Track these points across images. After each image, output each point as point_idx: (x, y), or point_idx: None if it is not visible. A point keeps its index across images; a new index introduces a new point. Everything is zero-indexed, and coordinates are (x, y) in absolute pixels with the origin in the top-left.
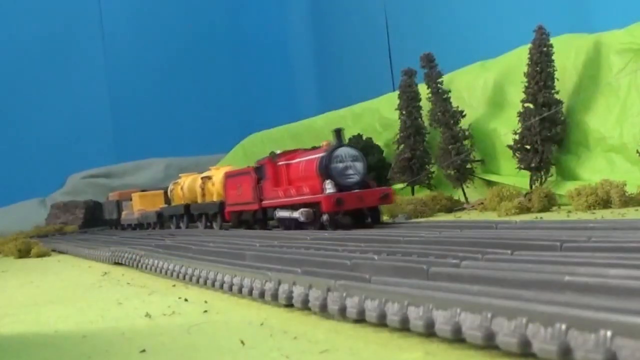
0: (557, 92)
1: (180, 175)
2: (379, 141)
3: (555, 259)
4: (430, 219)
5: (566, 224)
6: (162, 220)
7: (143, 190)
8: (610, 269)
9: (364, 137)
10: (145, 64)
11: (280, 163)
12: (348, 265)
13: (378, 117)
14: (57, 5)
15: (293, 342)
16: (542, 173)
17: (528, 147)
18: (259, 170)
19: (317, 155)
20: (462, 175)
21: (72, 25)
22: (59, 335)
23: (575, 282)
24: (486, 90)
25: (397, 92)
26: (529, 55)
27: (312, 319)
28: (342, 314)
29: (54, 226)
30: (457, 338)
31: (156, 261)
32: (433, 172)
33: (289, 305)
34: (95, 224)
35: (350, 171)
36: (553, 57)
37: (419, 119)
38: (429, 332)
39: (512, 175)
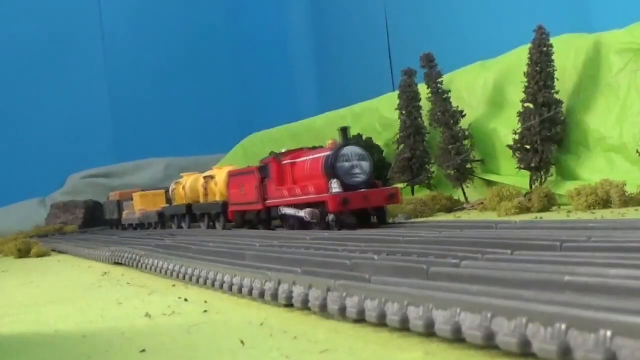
0: (557, 92)
1: (182, 174)
2: (379, 141)
3: (555, 259)
4: (430, 219)
5: (566, 224)
6: (163, 220)
7: (144, 190)
8: (610, 269)
9: (364, 137)
10: (145, 64)
11: (285, 162)
12: (348, 265)
13: (378, 117)
14: (57, 5)
15: (293, 342)
16: (542, 173)
17: (528, 147)
18: (263, 169)
19: (322, 154)
20: (462, 175)
21: (72, 25)
22: (59, 335)
23: (575, 282)
24: (486, 90)
25: (397, 92)
26: (529, 55)
27: (312, 319)
28: (342, 314)
29: (54, 226)
30: (457, 338)
31: (156, 261)
32: (433, 172)
33: (289, 305)
34: (95, 224)
35: (357, 170)
36: (553, 57)
37: (419, 119)
38: (429, 332)
39: (512, 175)
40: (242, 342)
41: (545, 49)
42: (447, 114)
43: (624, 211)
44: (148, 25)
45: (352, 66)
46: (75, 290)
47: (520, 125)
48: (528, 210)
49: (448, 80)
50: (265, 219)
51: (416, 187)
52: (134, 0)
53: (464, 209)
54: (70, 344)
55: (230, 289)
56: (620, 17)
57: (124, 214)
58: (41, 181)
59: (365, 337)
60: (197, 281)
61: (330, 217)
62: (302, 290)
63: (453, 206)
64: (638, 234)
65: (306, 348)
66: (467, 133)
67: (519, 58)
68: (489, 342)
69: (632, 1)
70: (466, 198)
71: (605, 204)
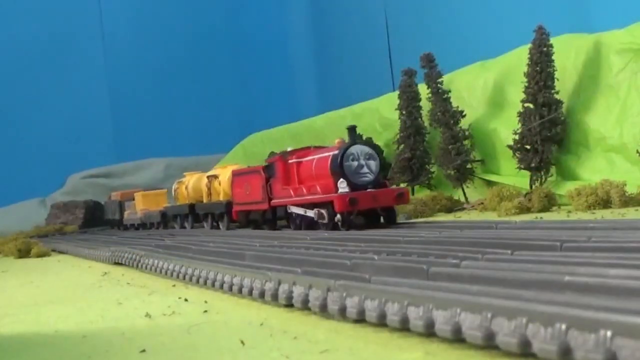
0: (557, 92)
1: (184, 174)
2: (379, 141)
3: (555, 259)
4: (430, 219)
5: (566, 224)
6: (166, 220)
7: (146, 190)
8: (610, 269)
9: (364, 137)
10: (145, 64)
11: (291, 161)
12: (348, 265)
13: (378, 117)
14: (57, 5)
15: (293, 342)
16: (542, 173)
17: (528, 147)
18: (268, 168)
19: (329, 153)
20: (462, 175)
21: (72, 25)
22: (59, 335)
23: (575, 282)
24: (486, 90)
25: (397, 92)
26: (529, 55)
27: (312, 319)
28: (342, 314)
29: (54, 226)
30: (457, 338)
31: (156, 261)
32: (433, 172)
33: (289, 305)
34: (95, 224)
35: (365, 170)
36: (553, 57)
37: (419, 119)
38: (429, 332)
39: (512, 175)
40: (242, 342)
41: (545, 49)
42: (447, 114)
43: (624, 211)
44: (148, 25)
45: (352, 66)
46: (75, 290)
47: (520, 125)
48: (528, 210)
49: (448, 80)
50: (270, 218)
51: (416, 187)
52: (134, 0)
53: (464, 209)
54: (70, 344)
55: (230, 289)
56: (620, 17)
57: (126, 213)
58: (41, 181)
59: (365, 337)
60: (197, 281)
61: (338, 217)
62: (302, 290)
63: (453, 206)
64: (638, 234)
65: (306, 348)
66: (467, 133)
67: (519, 58)
68: (489, 342)
69: (632, 1)
70: (466, 198)
71: (605, 204)
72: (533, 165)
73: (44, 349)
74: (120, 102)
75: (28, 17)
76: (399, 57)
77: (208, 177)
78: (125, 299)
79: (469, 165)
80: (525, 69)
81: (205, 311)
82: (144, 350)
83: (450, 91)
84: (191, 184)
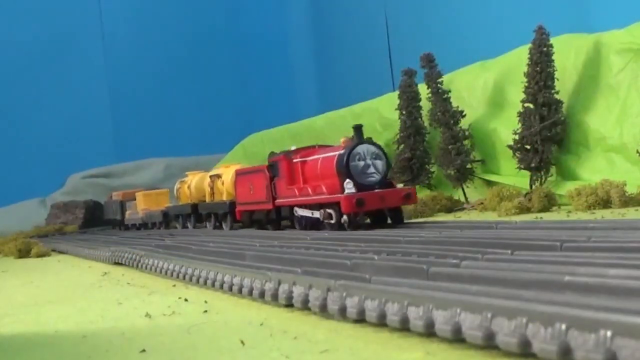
0: (557, 92)
1: (187, 173)
2: (379, 141)
3: (555, 259)
4: (430, 219)
5: (566, 224)
6: (168, 219)
7: (147, 190)
8: (610, 269)
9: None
10: (145, 64)
11: (295, 160)
12: (348, 265)
13: (378, 117)
14: (57, 5)
15: (293, 342)
16: (542, 173)
17: (528, 147)
18: (272, 167)
19: (335, 153)
20: (462, 175)
21: (72, 25)
22: (59, 335)
23: (575, 282)
24: (486, 90)
25: (397, 92)
26: (529, 55)
27: (312, 319)
28: (342, 314)
29: (54, 226)
30: (457, 338)
31: (156, 261)
32: (433, 172)
33: (289, 305)
34: (95, 224)
35: (371, 170)
36: (553, 57)
37: (419, 119)
38: (429, 332)
39: (512, 175)
40: (242, 342)
41: (545, 49)
42: (447, 114)
43: (624, 211)
44: (148, 25)
45: (352, 66)
46: (75, 290)
47: (520, 125)
48: (528, 210)
49: (448, 80)
50: (274, 218)
51: (416, 187)
52: (134, 0)
53: (464, 209)
54: (70, 344)
55: (230, 289)
56: (620, 17)
57: (127, 213)
58: (41, 181)
59: (365, 337)
60: (197, 281)
61: (344, 218)
62: (302, 290)
63: (453, 206)
64: (638, 234)
65: (306, 348)
66: (467, 133)
67: (519, 58)
68: (489, 342)
69: (632, 1)
70: (466, 198)
71: (605, 204)
72: (533, 165)
73: (44, 349)
74: (120, 102)
75: (28, 17)
76: (399, 57)
77: (211, 176)
78: (125, 299)
79: (469, 165)
80: (525, 69)
81: (205, 311)
82: (144, 350)
83: (450, 91)
84: (194, 184)
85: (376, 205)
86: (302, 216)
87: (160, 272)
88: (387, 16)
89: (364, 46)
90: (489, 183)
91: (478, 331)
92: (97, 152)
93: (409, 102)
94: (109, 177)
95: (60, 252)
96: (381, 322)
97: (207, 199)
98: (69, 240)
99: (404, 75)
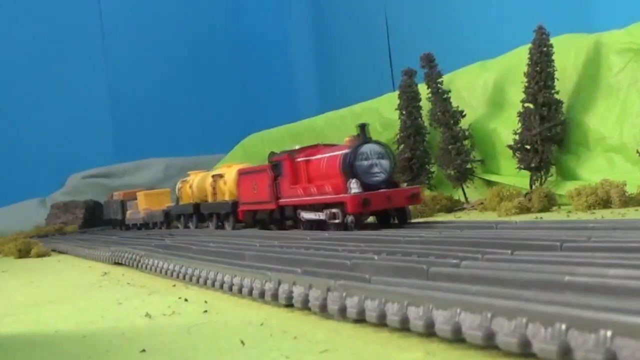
0: (557, 92)
1: (188, 172)
2: None
3: (555, 259)
4: (430, 219)
5: (566, 224)
6: (169, 219)
7: (148, 190)
8: (610, 269)
9: None
10: (145, 64)
11: (299, 159)
12: (348, 265)
13: (378, 117)
14: (57, 5)
15: (293, 342)
16: (542, 173)
17: (528, 147)
18: (275, 167)
19: (340, 152)
20: (462, 175)
21: (72, 25)
22: (59, 335)
23: (575, 282)
24: (486, 90)
25: (397, 92)
26: (529, 55)
27: (312, 319)
28: (342, 314)
29: (54, 226)
30: (457, 338)
31: (156, 261)
32: (433, 172)
33: (289, 305)
34: (95, 224)
35: (376, 169)
36: (553, 57)
37: (419, 119)
38: (429, 332)
39: (512, 175)
40: (242, 342)
41: (545, 49)
42: (447, 114)
43: (624, 211)
44: (148, 25)
45: (352, 66)
46: (75, 290)
47: (520, 125)
48: (528, 210)
49: (448, 80)
50: (278, 218)
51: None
52: (134, 0)
53: (464, 209)
54: (70, 344)
55: (230, 289)
56: (620, 17)
57: (128, 213)
58: (41, 181)
59: (365, 337)
60: (197, 281)
61: (349, 218)
62: (302, 290)
63: (453, 206)
64: (638, 234)
65: (306, 348)
66: (467, 133)
67: (519, 58)
68: (489, 342)
69: (632, 1)
70: (466, 198)
71: (605, 204)
72: (533, 165)
73: (44, 349)
74: (120, 102)
75: (28, 17)
76: (399, 57)
77: (213, 176)
78: (125, 299)
79: (469, 165)
80: (525, 69)
81: (205, 311)
82: (144, 350)
83: (450, 91)
84: (195, 183)
85: (382, 205)
86: (308, 219)
87: (160, 272)
88: (387, 16)
89: (364, 46)
90: (489, 183)
91: (478, 331)
92: (97, 152)
93: (409, 102)
94: (109, 177)
95: (60, 252)
96: (381, 322)
97: (210, 199)
98: (69, 240)
99: (404, 75)
